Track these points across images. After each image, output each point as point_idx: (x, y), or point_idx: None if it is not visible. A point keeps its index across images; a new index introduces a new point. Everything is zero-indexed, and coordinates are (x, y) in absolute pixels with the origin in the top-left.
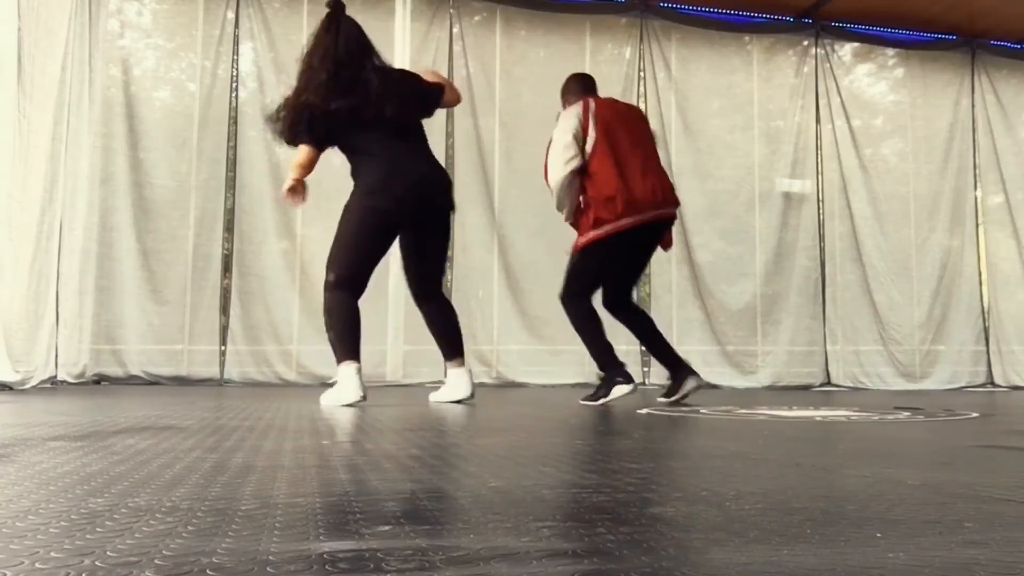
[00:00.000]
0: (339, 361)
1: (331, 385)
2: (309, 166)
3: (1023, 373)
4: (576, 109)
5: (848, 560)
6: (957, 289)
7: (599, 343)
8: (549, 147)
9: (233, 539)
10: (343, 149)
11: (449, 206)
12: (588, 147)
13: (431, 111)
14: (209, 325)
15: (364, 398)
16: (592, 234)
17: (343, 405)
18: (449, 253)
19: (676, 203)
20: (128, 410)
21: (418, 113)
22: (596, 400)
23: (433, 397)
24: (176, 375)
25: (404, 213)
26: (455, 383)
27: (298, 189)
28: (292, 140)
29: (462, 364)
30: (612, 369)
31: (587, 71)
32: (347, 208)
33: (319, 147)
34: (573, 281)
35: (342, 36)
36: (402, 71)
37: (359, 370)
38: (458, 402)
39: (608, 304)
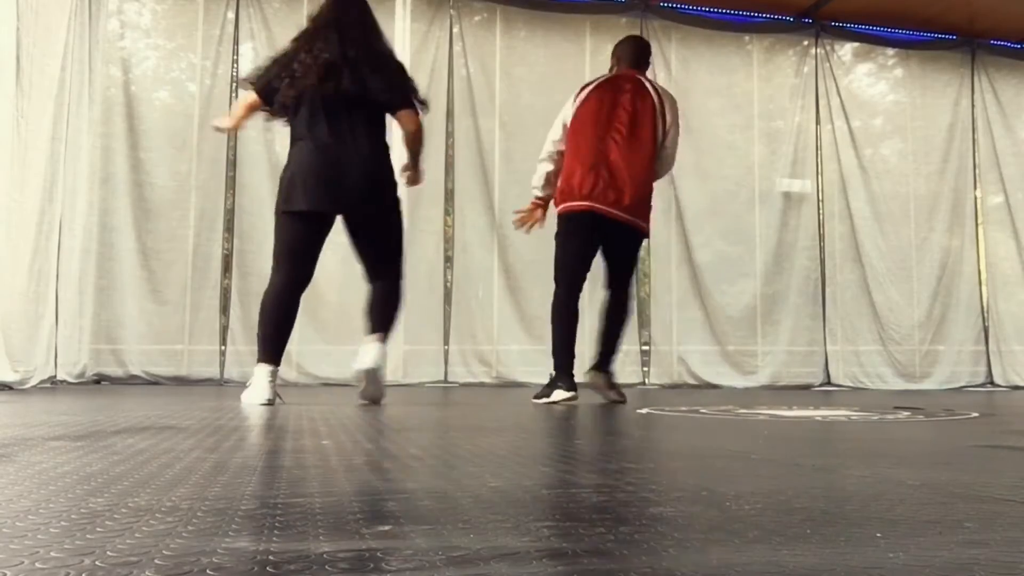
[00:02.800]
0: (257, 360)
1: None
2: (246, 114)
3: (1023, 373)
4: (577, 90)
5: (848, 560)
6: (956, 289)
7: (564, 342)
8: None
9: (233, 539)
10: (290, 122)
11: (372, 209)
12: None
13: (390, 106)
14: (209, 325)
15: (271, 402)
16: (563, 205)
17: (256, 404)
18: (449, 253)
19: (616, 202)
20: (128, 410)
21: (378, 97)
22: (540, 399)
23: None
24: (176, 375)
25: (314, 214)
26: (362, 352)
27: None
28: (250, 80)
29: (377, 340)
30: (560, 372)
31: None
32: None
33: (266, 99)
34: (555, 267)
35: (343, 18)
36: (392, 59)
37: (273, 373)
38: (362, 374)
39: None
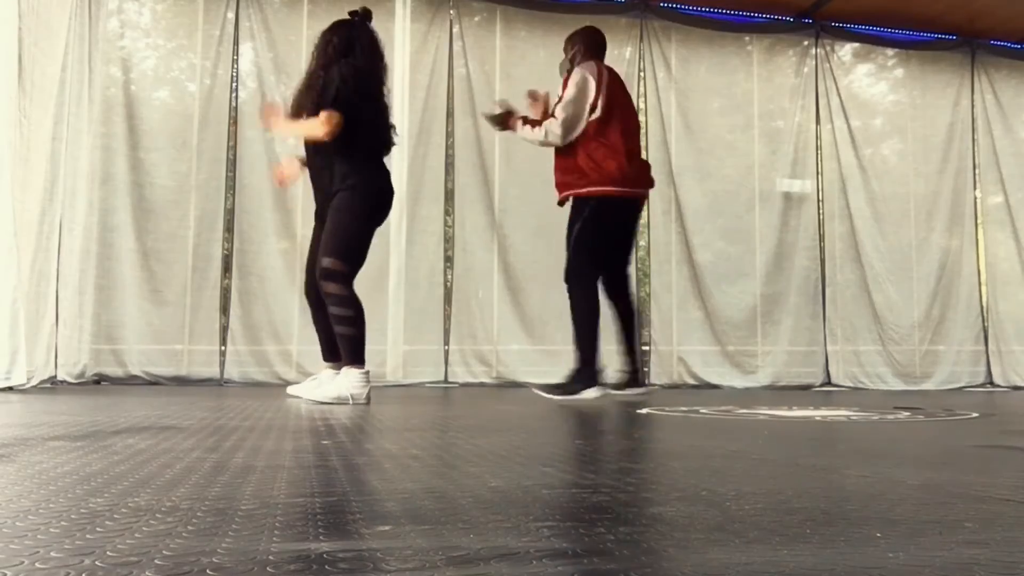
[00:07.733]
0: (351, 363)
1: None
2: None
3: (1023, 373)
4: (592, 72)
5: (848, 560)
6: (956, 289)
7: (594, 338)
8: (565, 92)
9: (233, 539)
10: (350, 136)
11: None
12: (595, 114)
13: None
14: (209, 325)
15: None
16: (605, 188)
17: (349, 403)
18: (449, 253)
19: (653, 184)
20: (128, 410)
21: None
22: (556, 394)
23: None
24: (176, 375)
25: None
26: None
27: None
28: (347, 103)
29: (334, 368)
30: (591, 369)
31: None
32: (353, 203)
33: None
34: (583, 255)
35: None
36: None
37: (369, 374)
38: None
39: (606, 286)
